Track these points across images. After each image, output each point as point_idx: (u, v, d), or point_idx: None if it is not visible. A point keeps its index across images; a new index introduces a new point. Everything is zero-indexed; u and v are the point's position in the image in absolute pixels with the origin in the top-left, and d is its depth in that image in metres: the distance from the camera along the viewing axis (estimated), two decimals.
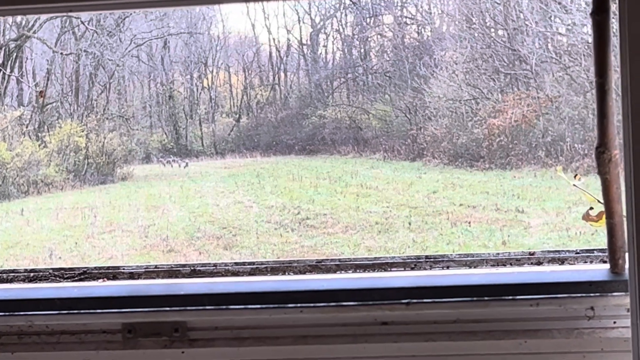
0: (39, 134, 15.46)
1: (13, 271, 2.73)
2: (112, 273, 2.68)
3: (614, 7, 2.24)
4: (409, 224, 11.65)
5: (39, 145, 15.29)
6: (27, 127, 15.47)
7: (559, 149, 13.42)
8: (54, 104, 15.91)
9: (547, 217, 11.41)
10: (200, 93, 17.02)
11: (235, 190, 14.59)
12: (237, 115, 16.99)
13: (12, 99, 15.85)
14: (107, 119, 16.27)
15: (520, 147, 13.82)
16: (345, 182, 14.27)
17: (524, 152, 13.79)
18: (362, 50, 16.47)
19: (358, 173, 14.78)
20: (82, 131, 15.54)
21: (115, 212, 13.58)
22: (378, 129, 15.81)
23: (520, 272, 2.41)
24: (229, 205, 13.64)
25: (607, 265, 2.36)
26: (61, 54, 15.62)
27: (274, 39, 16.71)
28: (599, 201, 2.47)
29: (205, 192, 14.68)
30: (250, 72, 17.03)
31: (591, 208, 2.51)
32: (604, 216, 2.44)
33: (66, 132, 15.34)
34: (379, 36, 16.21)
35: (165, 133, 17.04)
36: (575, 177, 2.56)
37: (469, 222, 11.46)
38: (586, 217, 2.51)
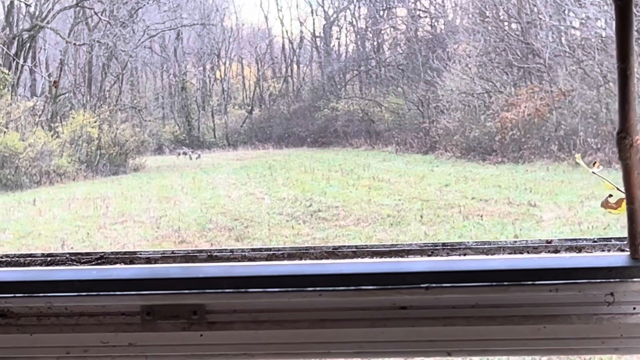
0: (52, 125, 15.50)
1: (30, 255, 2.73)
2: (129, 258, 2.68)
3: None
4: (421, 216, 11.65)
5: (52, 136, 15.33)
6: (39, 118, 15.52)
7: (571, 143, 13.40)
8: (67, 95, 15.95)
9: (559, 211, 11.40)
10: (213, 85, 17.06)
11: (247, 182, 14.61)
12: (250, 107, 17.02)
13: (25, 89, 15.89)
14: (119, 109, 16.31)
15: (533, 141, 13.81)
16: (357, 174, 14.28)
17: (536, 145, 13.78)
18: (375, 43, 16.48)
19: (370, 166, 14.79)
20: (95, 122, 15.58)
21: (127, 203, 13.62)
22: (390, 121, 15.82)
23: (540, 257, 2.41)
24: (241, 197, 13.67)
25: (627, 252, 2.35)
26: (74, 44, 15.65)
27: (287, 31, 16.73)
28: (617, 189, 2.46)
29: (217, 184, 14.71)
30: (263, 64, 17.06)
31: (610, 195, 2.49)
32: (624, 203, 2.43)
33: (79, 123, 15.39)
34: (392, 29, 16.21)
35: (178, 124, 17.08)
36: (593, 164, 2.55)
37: (481, 216, 11.46)
38: (605, 204, 2.49)
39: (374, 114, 16.00)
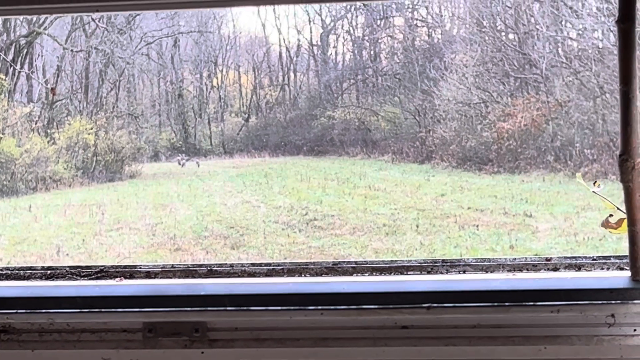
0: (48, 131, 15.48)
1: (30, 268, 2.74)
2: (129, 272, 2.69)
3: (639, 15, 2.25)
4: (417, 226, 11.64)
5: (48, 142, 15.31)
6: (36, 124, 15.49)
7: (567, 154, 13.41)
8: (64, 101, 15.93)
9: (555, 222, 11.40)
10: (210, 92, 17.03)
11: (243, 189, 14.59)
12: (246, 115, 16.99)
13: (21, 95, 15.87)
14: (116, 116, 16.28)
15: (529, 151, 13.81)
16: (353, 183, 14.26)
17: (532, 156, 13.77)
18: (372, 52, 16.48)
19: (366, 174, 14.78)
20: (91, 128, 15.56)
21: (123, 210, 13.60)
22: (387, 130, 15.80)
23: (541, 278, 2.42)
24: (237, 205, 13.65)
25: (628, 273, 2.36)
26: (71, 51, 15.63)
27: (284, 40, 16.72)
28: (618, 208, 2.47)
29: (213, 191, 14.69)
30: (260, 72, 17.04)
31: (610, 215, 2.50)
32: (624, 223, 2.44)
33: (75, 129, 15.36)
34: (389, 38, 16.21)
35: (174, 131, 17.06)
36: (594, 183, 2.56)
37: (477, 226, 11.45)
38: (605, 224, 2.51)
39: (371, 123, 15.98)
